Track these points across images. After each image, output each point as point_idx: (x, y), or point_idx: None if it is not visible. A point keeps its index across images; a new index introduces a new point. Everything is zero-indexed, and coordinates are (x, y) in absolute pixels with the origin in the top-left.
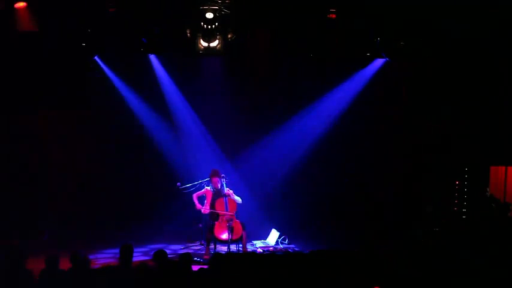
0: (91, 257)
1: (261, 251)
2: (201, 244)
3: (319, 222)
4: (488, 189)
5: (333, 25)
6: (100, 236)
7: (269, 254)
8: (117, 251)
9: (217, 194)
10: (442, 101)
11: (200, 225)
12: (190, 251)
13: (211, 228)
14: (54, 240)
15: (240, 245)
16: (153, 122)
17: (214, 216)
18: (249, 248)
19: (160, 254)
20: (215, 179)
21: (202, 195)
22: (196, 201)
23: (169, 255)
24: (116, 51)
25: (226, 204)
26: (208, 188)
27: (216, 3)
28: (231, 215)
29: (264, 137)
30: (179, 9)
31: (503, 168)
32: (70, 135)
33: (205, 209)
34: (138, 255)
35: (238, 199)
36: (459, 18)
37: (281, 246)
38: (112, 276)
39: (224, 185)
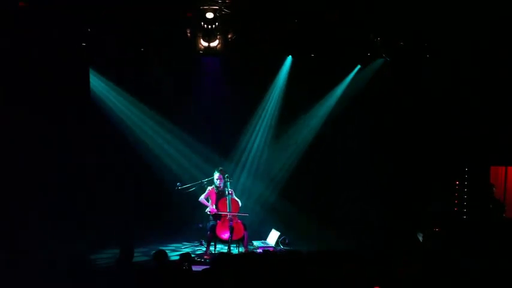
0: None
1: (261, 251)
2: (200, 244)
3: (319, 222)
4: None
5: (334, 25)
6: (99, 236)
7: (269, 254)
8: (116, 251)
9: (221, 194)
10: (442, 101)
11: (200, 225)
12: (190, 251)
13: (213, 228)
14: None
15: (241, 245)
16: (151, 122)
17: (217, 216)
18: (249, 248)
19: (160, 254)
20: (220, 177)
21: (207, 196)
22: (206, 203)
23: (169, 255)
24: (116, 51)
25: (229, 205)
26: (211, 188)
27: (216, 3)
28: (233, 215)
29: (263, 137)
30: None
31: (503, 168)
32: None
33: (212, 209)
34: (138, 256)
35: (238, 200)
36: (458, 18)
37: (281, 246)
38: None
39: (228, 185)
